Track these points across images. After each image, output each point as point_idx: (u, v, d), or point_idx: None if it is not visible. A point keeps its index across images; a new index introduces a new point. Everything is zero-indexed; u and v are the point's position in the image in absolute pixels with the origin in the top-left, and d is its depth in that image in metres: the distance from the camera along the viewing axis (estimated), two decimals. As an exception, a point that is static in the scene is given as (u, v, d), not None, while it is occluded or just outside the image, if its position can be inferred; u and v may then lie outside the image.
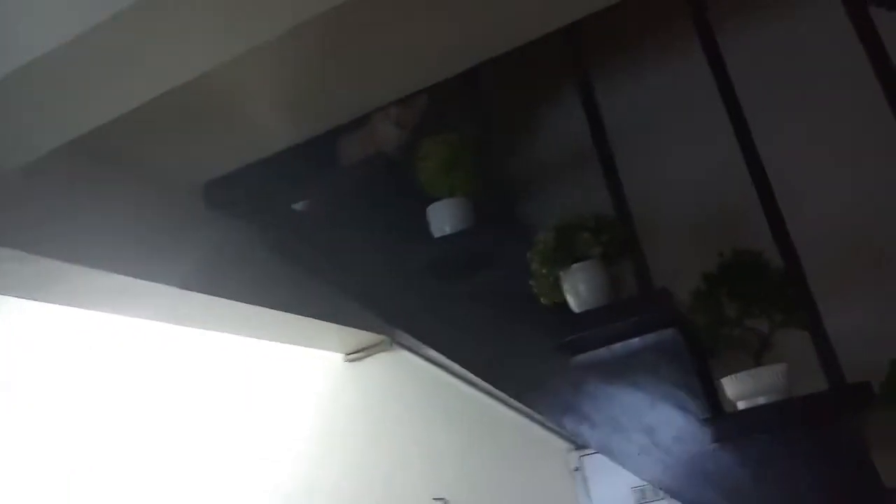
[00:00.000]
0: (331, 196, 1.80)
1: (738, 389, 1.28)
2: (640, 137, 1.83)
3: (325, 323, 2.21)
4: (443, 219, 1.58)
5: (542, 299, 1.44)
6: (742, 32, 1.72)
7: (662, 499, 2.00)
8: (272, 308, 2.00)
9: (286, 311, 2.01)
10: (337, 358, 2.53)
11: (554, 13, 1.54)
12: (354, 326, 2.30)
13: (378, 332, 2.41)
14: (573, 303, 1.40)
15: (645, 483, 2.01)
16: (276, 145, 1.77)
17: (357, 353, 2.51)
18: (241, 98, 1.63)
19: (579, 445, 2.12)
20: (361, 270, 1.74)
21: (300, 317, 2.10)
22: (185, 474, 2.59)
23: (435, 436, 2.35)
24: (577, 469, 2.12)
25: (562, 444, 2.15)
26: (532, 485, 2.19)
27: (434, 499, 2.27)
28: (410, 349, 2.43)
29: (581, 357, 1.49)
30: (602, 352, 1.48)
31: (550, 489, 2.15)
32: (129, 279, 1.66)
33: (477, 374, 1.60)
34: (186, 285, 1.76)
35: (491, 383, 1.59)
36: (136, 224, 1.71)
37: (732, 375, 1.29)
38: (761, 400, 1.26)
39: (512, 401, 2.22)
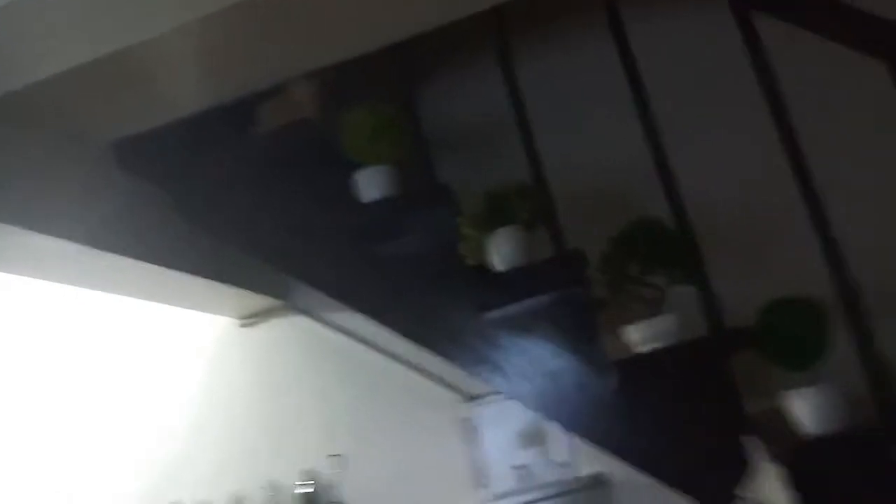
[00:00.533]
0: (247, 159, 1.82)
1: (639, 336, 1.50)
2: (556, 110, 1.99)
3: (221, 285, 2.22)
4: (371, 185, 1.67)
5: (468, 260, 1.58)
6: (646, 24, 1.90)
7: (543, 443, 2.24)
8: (170, 268, 1.97)
9: (183, 270, 1.99)
10: (231, 323, 2.53)
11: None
12: (251, 289, 2.32)
13: (274, 297, 2.44)
14: (497, 263, 1.56)
15: (528, 428, 2.24)
16: (190, 107, 1.76)
17: (252, 318, 2.52)
18: (157, 57, 1.61)
19: (470, 397, 2.31)
20: (276, 233, 1.79)
21: (196, 277, 2.09)
22: (66, 438, 2.51)
23: (330, 396, 2.43)
24: (467, 419, 2.30)
25: (453, 397, 2.31)
26: (425, 436, 2.34)
27: (329, 455, 2.37)
28: (307, 313, 2.49)
29: (495, 312, 1.65)
30: (515, 307, 1.65)
31: (442, 439, 2.31)
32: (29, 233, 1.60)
33: (399, 333, 1.70)
34: (83, 240, 1.71)
35: (414, 340, 1.70)
36: (41, 180, 1.64)
37: (634, 324, 1.50)
38: (658, 345, 1.49)
39: (407, 359, 2.37)
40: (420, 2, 1.61)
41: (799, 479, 1.26)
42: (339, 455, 2.37)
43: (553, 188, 1.62)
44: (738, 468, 1.33)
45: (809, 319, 1.42)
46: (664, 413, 1.49)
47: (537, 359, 1.62)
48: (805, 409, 1.39)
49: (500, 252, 1.54)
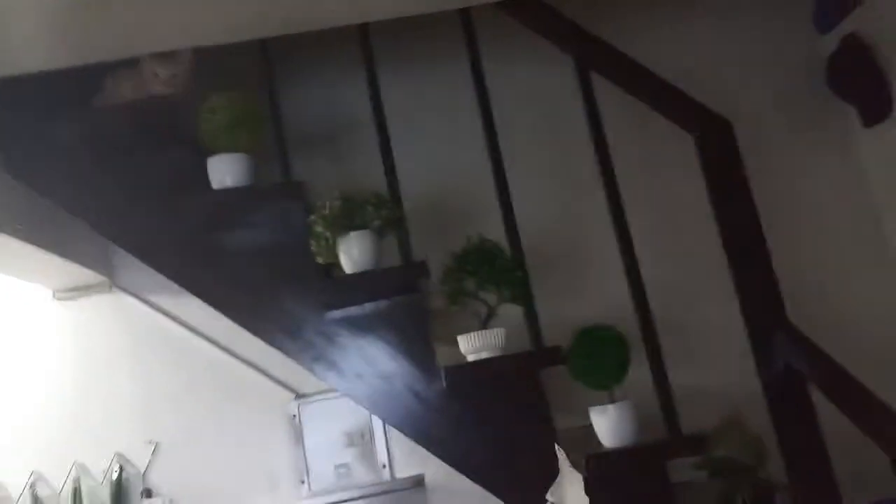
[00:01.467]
0: (90, 127, 1.74)
1: (470, 346, 1.62)
2: (413, 125, 2.09)
3: (38, 250, 2.06)
4: (223, 172, 1.66)
5: (318, 258, 1.63)
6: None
7: (366, 444, 2.30)
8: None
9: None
10: (45, 294, 2.36)
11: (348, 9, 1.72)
12: (72, 260, 2.17)
13: (98, 272, 2.32)
14: (346, 265, 1.61)
15: (353, 429, 2.30)
16: (30, 65, 1.66)
17: (70, 292, 2.37)
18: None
19: (299, 394, 2.33)
20: (113, 203, 1.73)
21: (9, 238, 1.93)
22: None
23: (151, 381, 2.33)
24: (294, 416, 2.32)
25: (283, 394, 2.31)
26: (250, 430, 2.31)
27: (146, 441, 2.28)
28: (132, 293, 2.38)
29: (338, 312, 1.71)
30: (357, 309, 1.71)
31: (268, 435, 2.29)
32: None
33: (238, 323, 1.71)
34: None
35: (252, 331, 1.71)
36: None
37: (466, 335, 1.62)
38: (485, 355, 1.62)
39: (236, 351, 2.34)
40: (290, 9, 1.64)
41: (594, 485, 1.44)
42: (154, 442, 2.29)
43: (404, 197, 1.70)
44: (548, 474, 1.48)
45: (613, 345, 1.62)
46: (485, 419, 1.62)
47: (373, 359, 1.70)
48: (604, 425, 1.58)
49: (350, 255, 1.60)
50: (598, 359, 1.60)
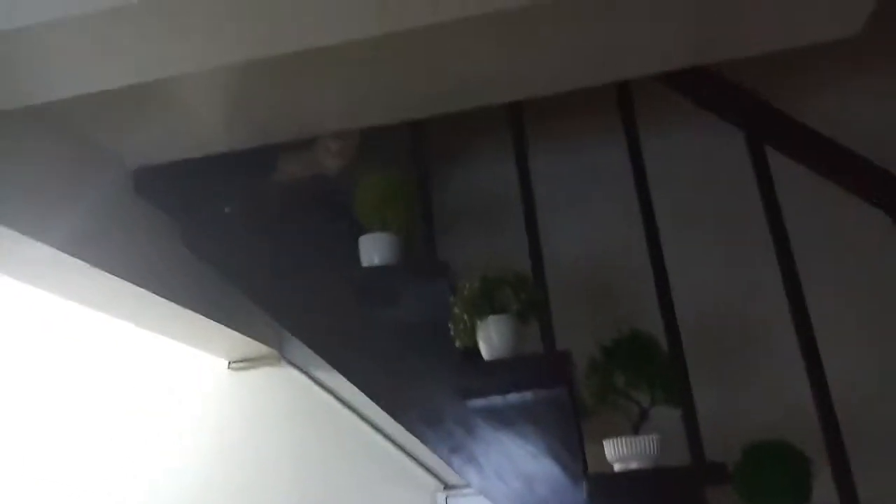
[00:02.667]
0: (259, 205, 1.84)
1: (617, 453, 1.43)
2: (557, 205, 2.00)
3: (216, 325, 2.20)
4: (373, 250, 1.66)
5: (456, 342, 1.55)
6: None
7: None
8: (168, 299, 1.96)
9: (181, 304, 1.98)
10: (221, 364, 2.51)
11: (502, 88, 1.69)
12: (245, 334, 2.30)
13: (267, 345, 2.42)
14: (485, 350, 1.52)
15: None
16: (216, 146, 1.80)
17: (242, 363, 2.50)
18: (191, 92, 1.65)
19: (448, 486, 2.23)
20: (275, 280, 1.79)
21: (193, 313, 2.07)
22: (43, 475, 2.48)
23: (305, 454, 2.37)
24: (439, 507, 2.22)
25: (432, 482, 2.23)
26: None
27: (293, 513, 2.29)
28: (298, 367, 2.46)
29: (478, 401, 1.61)
30: (498, 399, 1.60)
31: (413, 525, 2.23)
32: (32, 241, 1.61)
33: (375, 401, 1.67)
34: (97, 262, 1.72)
35: (388, 411, 1.66)
36: (62, 196, 1.68)
37: (613, 439, 1.44)
38: (634, 465, 1.42)
39: (390, 433, 2.31)
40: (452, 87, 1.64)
41: None
42: (301, 516, 2.30)
43: (549, 279, 1.59)
44: None
45: (790, 463, 1.35)
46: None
47: (514, 457, 1.56)
48: (779, 562, 1.30)
49: (488, 339, 1.51)
50: (772, 480, 1.34)
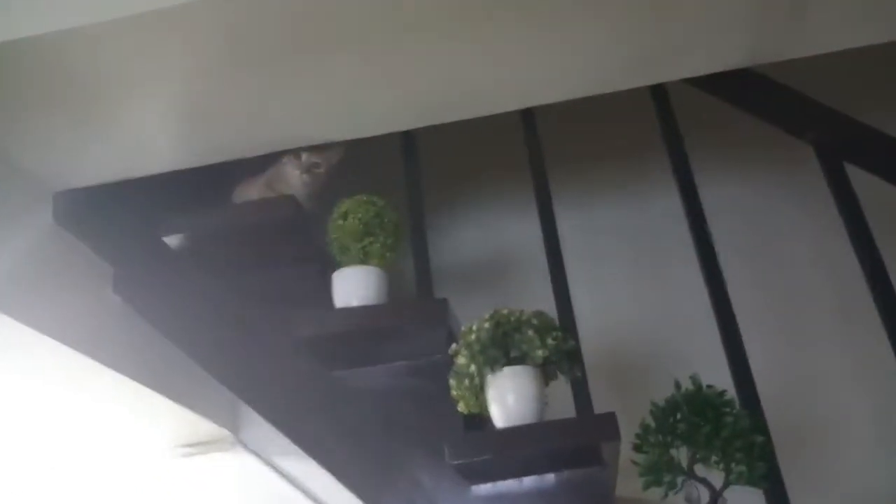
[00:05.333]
0: (207, 237, 1.49)
1: (682, 552, 1.04)
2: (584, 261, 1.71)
3: (157, 395, 1.77)
4: (350, 288, 1.31)
5: (459, 404, 1.17)
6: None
7: None
8: (97, 360, 1.57)
9: (111, 367, 1.58)
10: (166, 448, 2.07)
11: (515, 94, 1.41)
12: (194, 410, 1.88)
13: (220, 424, 2.00)
14: (497, 415, 1.14)
15: None
16: (157, 166, 1.46)
17: (190, 447, 2.06)
18: (127, 100, 1.32)
19: None
20: (225, 334, 1.42)
21: (127, 379, 1.66)
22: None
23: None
24: None
25: None
26: None
27: None
28: (256, 452, 2.03)
29: (485, 486, 1.22)
30: (512, 484, 1.22)
31: None
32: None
33: (352, 489, 1.27)
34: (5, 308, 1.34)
35: (366, 502, 1.26)
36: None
37: (677, 534, 1.05)
38: (708, 571, 1.03)
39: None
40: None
41: None
42: None
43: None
44: None
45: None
46: None
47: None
48: None
49: (503, 400, 1.13)
50: None
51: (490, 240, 2.01)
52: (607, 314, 1.79)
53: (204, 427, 1.98)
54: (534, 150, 1.44)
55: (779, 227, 1.88)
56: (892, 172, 1.31)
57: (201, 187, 1.51)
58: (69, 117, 1.30)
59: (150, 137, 1.40)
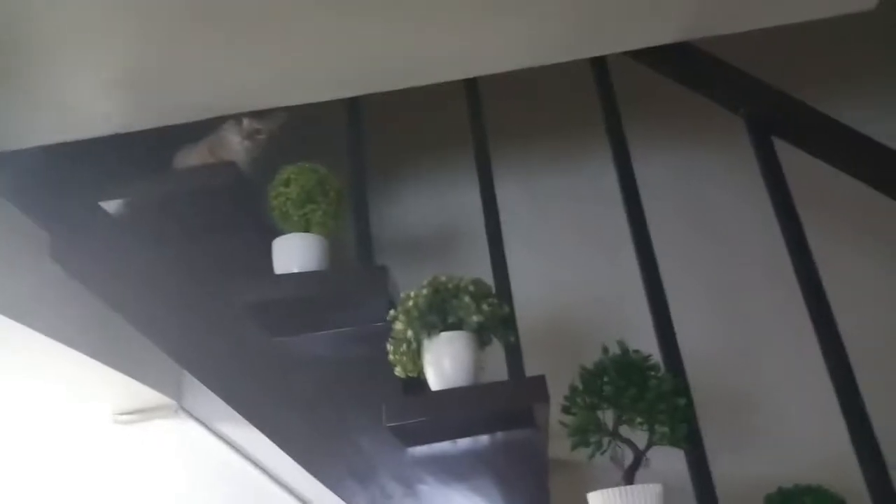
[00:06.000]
0: (153, 205, 1.47)
1: (606, 509, 1.09)
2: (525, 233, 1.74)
3: (97, 364, 1.76)
4: (290, 255, 1.31)
5: (396, 369, 1.20)
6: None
7: None
8: (36, 330, 1.55)
9: (51, 336, 1.56)
10: (104, 416, 2.06)
11: (458, 64, 1.42)
12: (135, 378, 1.87)
13: (162, 392, 1.99)
14: (433, 378, 1.17)
15: None
16: (95, 129, 1.43)
17: (131, 414, 2.05)
18: (62, 59, 1.29)
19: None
20: (174, 304, 1.41)
21: (67, 348, 1.65)
22: None
23: (206, 530, 1.94)
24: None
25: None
26: None
27: None
28: (198, 419, 2.03)
29: (421, 449, 1.26)
30: (447, 446, 1.26)
31: None
32: None
33: (290, 453, 1.29)
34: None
35: (306, 466, 1.28)
36: None
37: (601, 491, 1.10)
38: (630, 524, 1.08)
39: (309, 498, 1.92)
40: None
41: None
42: None
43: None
44: None
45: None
46: None
47: (468, 520, 1.21)
48: None
49: (439, 364, 1.16)
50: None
51: (434, 210, 2.03)
52: (547, 282, 1.84)
53: (146, 395, 1.98)
54: (476, 119, 1.45)
55: (713, 200, 1.94)
56: (818, 147, 1.35)
57: (142, 153, 1.48)
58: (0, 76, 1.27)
59: (87, 99, 1.38)
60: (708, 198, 1.94)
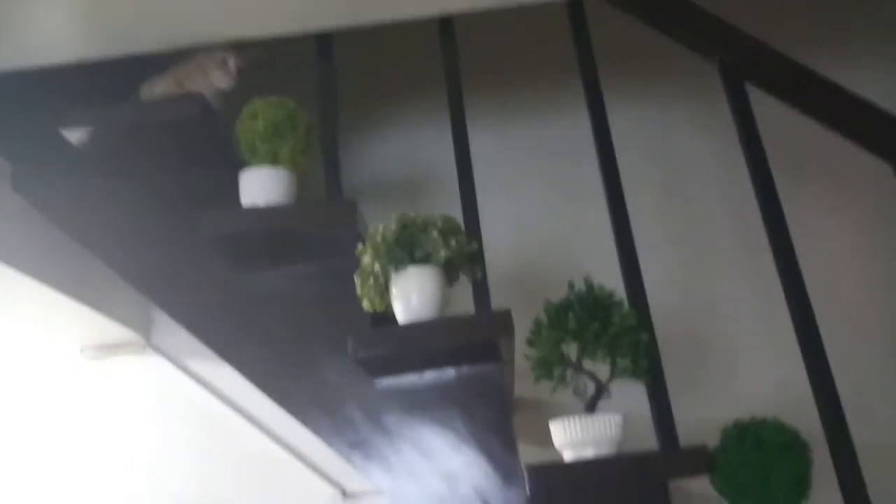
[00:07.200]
0: (117, 134, 1.43)
1: (567, 437, 1.13)
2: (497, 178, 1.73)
3: (63, 298, 1.75)
4: (257, 188, 1.30)
5: (364, 302, 1.21)
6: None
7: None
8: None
9: (16, 267, 1.54)
10: (71, 351, 2.05)
11: None
12: (103, 312, 1.86)
13: (130, 327, 1.99)
14: (400, 313, 1.18)
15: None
16: (56, 56, 1.39)
17: (99, 350, 2.05)
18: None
19: (347, 493, 1.87)
20: (140, 236, 1.40)
21: (35, 282, 1.63)
22: None
23: (174, 458, 1.96)
24: (338, 520, 1.86)
25: (326, 489, 1.88)
26: (283, 533, 1.88)
27: (159, 538, 1.88)
28: (167, 355, 2.04)
29: (388, 381, 1.28)
30: (414, 378, 1.28)
31: (305, 539, 1.87)
32: None
33: (262, 389, 1.30)
34: None
35: (273, 397, 1.30)
36: None
37: (564, 420, 1.13)
38: (590, 452, 1.12)
39: (275, 431, 1.95)
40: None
41: None
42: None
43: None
44: None
45: (785, 451, 1.08)
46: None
47: (431, 450, 1.23)
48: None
49: (406, 298, 1.17)
50: (762, 470, 1.06)
51: (405, 155, 2.02)
52: (517, 227, 1.86)
53: (114, 330, 1.97)
54: (450, 60, 1.43)
55: (686, 151, 1.95)
56: (792, 95, 1.35)
57: (107, 84, 1.45)
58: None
59: (50, 24, 1.34)
60: (679, 148, 1.95)
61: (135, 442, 1.99)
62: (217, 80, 1.40)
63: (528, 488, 1.11)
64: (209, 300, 1.36)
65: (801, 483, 1.06)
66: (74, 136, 1.41)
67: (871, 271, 1.78)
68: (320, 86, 1.41)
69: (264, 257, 1.33)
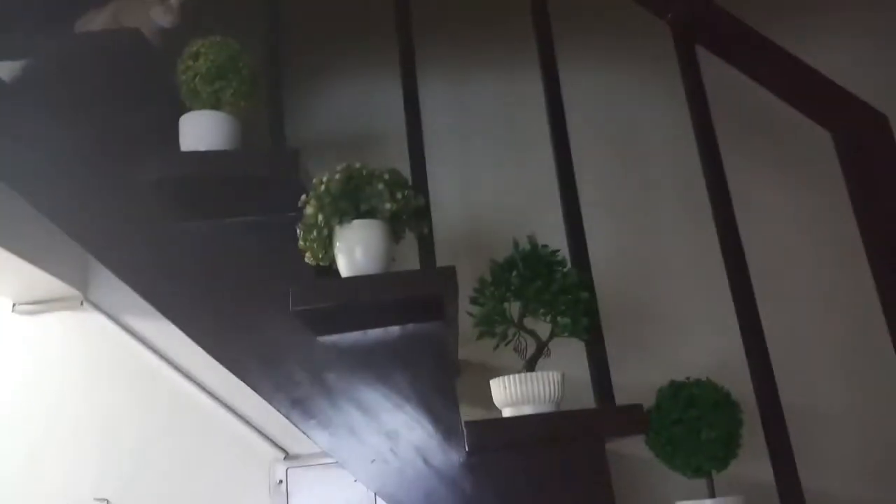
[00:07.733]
0: (48, 67, 1.36)
1: (506, 394, 1.12)
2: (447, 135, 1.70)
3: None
4: (198, 133, 1.25)
5: (307, 255, 1.18)
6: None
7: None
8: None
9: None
10: (3, 306, 1.97)
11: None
12: (37, 265, 1.79)
13: (67, 282, 1.92)
14: (343, 266, 1.16)
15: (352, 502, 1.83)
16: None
17: (32, 305, 1.98)
18: None
19: (290, 455, 1.85)
20: (75, 182, 1.34)
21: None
22: None
23: (111, 417, 1.91)
24: (280, 482, 1.84)
25: (269, 452, 1.85)
26: (225, 493, 1.85)
27: (95, 499, 1.83)
28: (104, 310, 1.97)
29: (330, 337, 1.25)
30: (357, 335, 1.26)
31: (246, 501, 1.84)
32: None
33: (201, 345, 1.26)
34: None
35: (212, 353, 1.26)
36: None
37: (504, 378, 1.13)
38: (528, 410, 1.12)
39: (215, 390, 1.91)
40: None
41: None
42: (105, 500, 1.84)
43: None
44: None
45: (718, 410, 1.10)
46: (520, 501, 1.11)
47: (372, 407, 1.22)
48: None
49: (350, 251, 1.14)
50: (695, 429, 1.08)
51: (354, 106, 1.97)
52: (468, 187, 1.84)
53: (49, 284, 1.90)
54: (402, 11, 1.39)
55: (639, 115, 1.95)
56: (740, 58, 1.35)
57: (41, 17, 1.37)
58: None
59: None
60: (632, 112, 1.95)
61: (70, 400, 1.93)
62: (157, 15, 1.33)
63: (466, 444, 1.11)
64: (147, 251, 1.31)
65: (731, 440, 1.08)
66: (3, 69, 1.33)
67: (812, 239, 1.81)
68: (267, 29, 1.36)
69: (205, 206, 1.28)
